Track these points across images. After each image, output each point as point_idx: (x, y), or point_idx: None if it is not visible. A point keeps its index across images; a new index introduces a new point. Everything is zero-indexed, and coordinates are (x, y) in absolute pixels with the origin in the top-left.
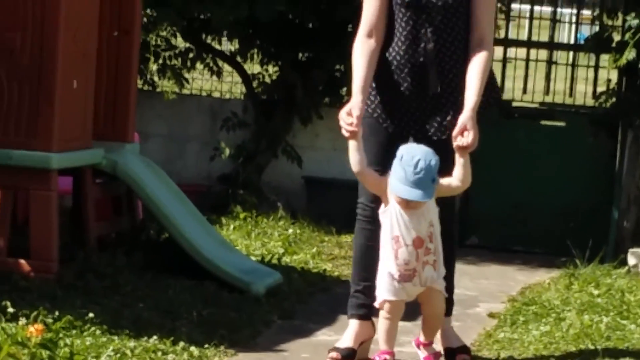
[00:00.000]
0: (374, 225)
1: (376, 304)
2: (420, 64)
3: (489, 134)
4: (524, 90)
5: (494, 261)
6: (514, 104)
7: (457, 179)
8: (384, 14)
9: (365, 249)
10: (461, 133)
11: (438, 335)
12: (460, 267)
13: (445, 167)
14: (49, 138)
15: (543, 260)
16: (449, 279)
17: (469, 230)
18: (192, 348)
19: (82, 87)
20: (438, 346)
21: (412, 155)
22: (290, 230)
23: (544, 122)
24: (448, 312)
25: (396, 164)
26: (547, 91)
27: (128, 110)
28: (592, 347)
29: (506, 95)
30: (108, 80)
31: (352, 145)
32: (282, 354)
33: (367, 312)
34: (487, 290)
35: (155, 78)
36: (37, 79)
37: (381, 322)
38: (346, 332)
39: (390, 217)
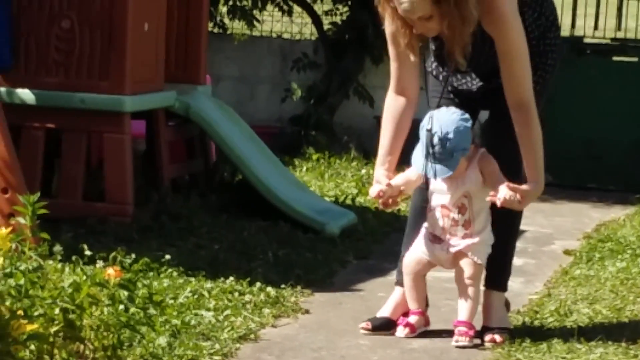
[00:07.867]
0: None
1: None
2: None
3: (561, 71)
4: (595, 27)
5: (568, 199)
6: (586, 40)
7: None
8: (415, 70)
9: (420, 210)
10: (510, 188)
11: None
12: (534, 205)
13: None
14: (121, 81)
15: (617, 197)
16: (503, 250)
17: None
18: (269, 288)
19: (153, 29)
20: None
21: (431, 124)
22: (364, 171)
23: (615, 58)
24: (500, 286)
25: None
26: (618, 27)
27: (199, 52)
28: None
29: (577, 32)
30: (179, 23)
31: None
32: (358, 294)
33: None
34: (562, 227)
35: (226, 20)
36: (109, 22)
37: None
38: (388, 299)
39: None
